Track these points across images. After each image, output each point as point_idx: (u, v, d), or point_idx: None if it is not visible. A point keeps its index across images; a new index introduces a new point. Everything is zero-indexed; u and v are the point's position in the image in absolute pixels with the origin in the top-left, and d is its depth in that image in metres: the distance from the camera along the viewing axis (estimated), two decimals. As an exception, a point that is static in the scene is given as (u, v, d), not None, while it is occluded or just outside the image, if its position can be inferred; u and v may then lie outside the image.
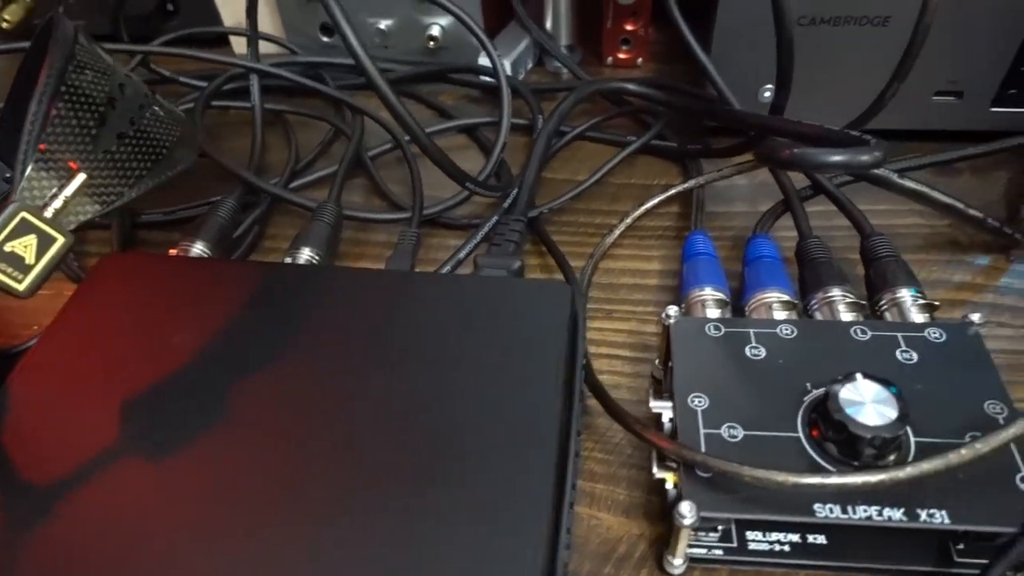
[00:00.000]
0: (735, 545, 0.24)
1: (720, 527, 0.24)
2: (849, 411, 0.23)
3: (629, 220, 0.36)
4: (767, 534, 0.24)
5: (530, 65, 0.48)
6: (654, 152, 0.41)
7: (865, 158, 0.25)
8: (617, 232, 0.36)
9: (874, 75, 0.36)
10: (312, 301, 0.28)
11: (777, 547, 0.24)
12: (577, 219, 0.38)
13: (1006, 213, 0.36)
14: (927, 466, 0.21)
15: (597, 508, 0.27)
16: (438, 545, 0.20)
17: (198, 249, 0.33)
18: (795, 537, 0.24)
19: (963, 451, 0.21)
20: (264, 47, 0.47)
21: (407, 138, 0.42)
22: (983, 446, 0.21)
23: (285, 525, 0.21)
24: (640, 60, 0.47)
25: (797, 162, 0.25)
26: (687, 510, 0.22)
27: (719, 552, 0.24)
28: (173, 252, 0.32)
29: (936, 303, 0.28)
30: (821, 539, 0.24)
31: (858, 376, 0.23)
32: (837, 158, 0.25)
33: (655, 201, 0.36)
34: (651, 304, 0.34)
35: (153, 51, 0.43)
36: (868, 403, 0.23)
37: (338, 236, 0.35)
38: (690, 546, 0.24)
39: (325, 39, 0.47)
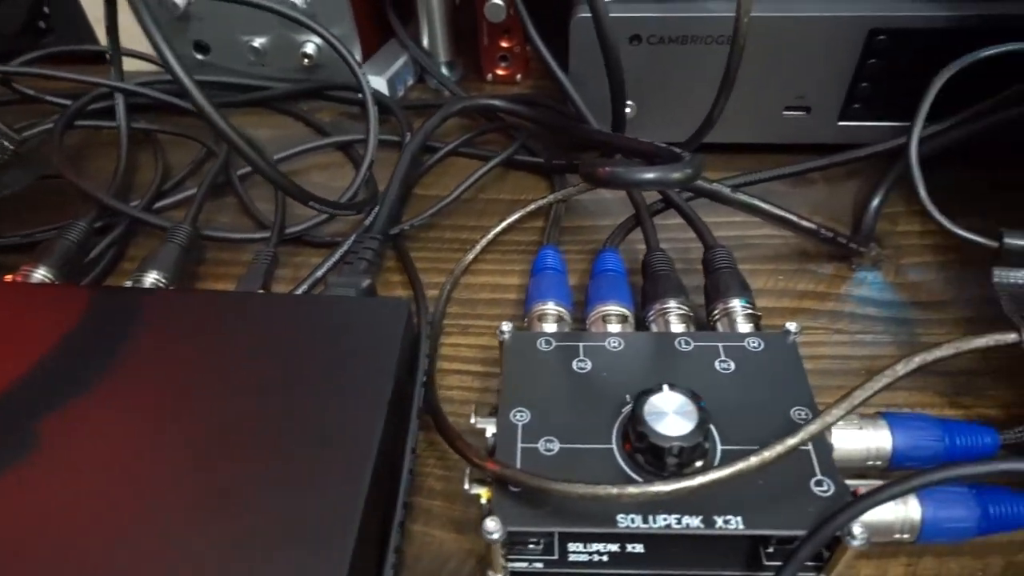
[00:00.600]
0: (556, 557, 0.25)
1: (541, 540, 0.25)
2: (651, 422, 0.23)
3: (491, 235, 0.37)
4: (587, 545, 0.25)
5: (410, 82, 0.48)
6: (525, 168, 0.42)
7: (676, 175, 0.26)
8: (478, 247, 0.36)
9: (711, 93, 0.37)
10: (141, 324, 0.27)
11: (596, 557, 0.25)
12: (443, 235, 0.39)
13: (852, 222, 0.38)
14: (715, 475, 0.22)
15: (432, 525, 0.27)
16: (239, 569, 0.20)
17: (40, 274, 0.32)
18: (614, 547, 0.25)
19: (752, 459, 0.22)
20: (140, 65, 0.47)
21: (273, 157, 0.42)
22: (770, 454, 0.22)
23: (86, 548, 0.21)
24: (519, 76, 0.48)
25: (612, 180, 0.26)
26: (493, 525, 0.22)
27: (540, 565, 0.25)
28: (9, 278, 0.31)
29: (758, 313, 0.29)
30: (639, 548, 0.25)
31: (664, 387, 0.24)
32: (648, 175, 0.25)
33: (515, 217, 0.37)
34: (508, 319, 0.34)
35: (10, 71, 0.42)
36: (670, 414, 0.23)
37: (192, 257, 0.35)
38: (511, 559, 0.25)
39: (199, 57, 0.47)
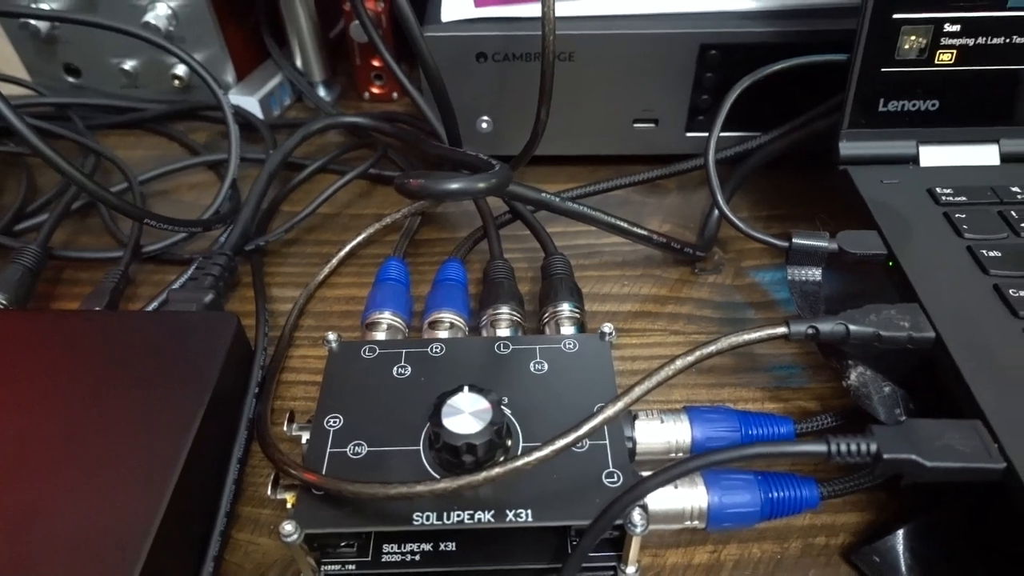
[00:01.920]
0: (370, 559, 0.25)
1: (355, 542, 0.25)
2: (447, 422, 0.24)
3: (346, 250, 0.37)
4: (401, 545, 0.25)
5: (287, 101, 0.49)
6: (389, 182, 0.43)
7: (480, 185, 0.27)
8: (335, 261, 0.37)
9: (566, 104, 0.39)
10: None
11: (410, 557, 0.25)
12: (306, 250, 0.39)
13: (699, 228, 0.40)
14: (497, 471, 0.22)
15: (259, 533, 0.28)
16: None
17: None
18: (427, 546, 0.25)
19: (528, 457, 0.23)
20: (13, 90, 0.47)
21: (140, 178, 0.42)
22: (547, 452, 0.23)
23: None
24: (395, 94, 0.49)
25: (423, 192, 0.27)
26: (289, 528, 0.23)
27: (353, 567, 0.25)
28: None
29: (580, 317, 0.30)
30: (451, 546, 0.25)
31: (464, 389, 0.25)
32: (454, 186, 0.27)
33: (370, 231, 0.38)
34: (358, 330, 0.35)
35: None
36: (467, 413, 0.24)
37: (37, 278, 0.35)
38: (325, 562, 0.25)
39: (71, 80, 0.47)
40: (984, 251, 0.26)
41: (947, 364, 0.24)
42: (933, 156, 0.31)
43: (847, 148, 0.31)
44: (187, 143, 0.46)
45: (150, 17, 0.43)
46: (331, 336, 0.29)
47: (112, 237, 0.40)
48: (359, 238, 0.37)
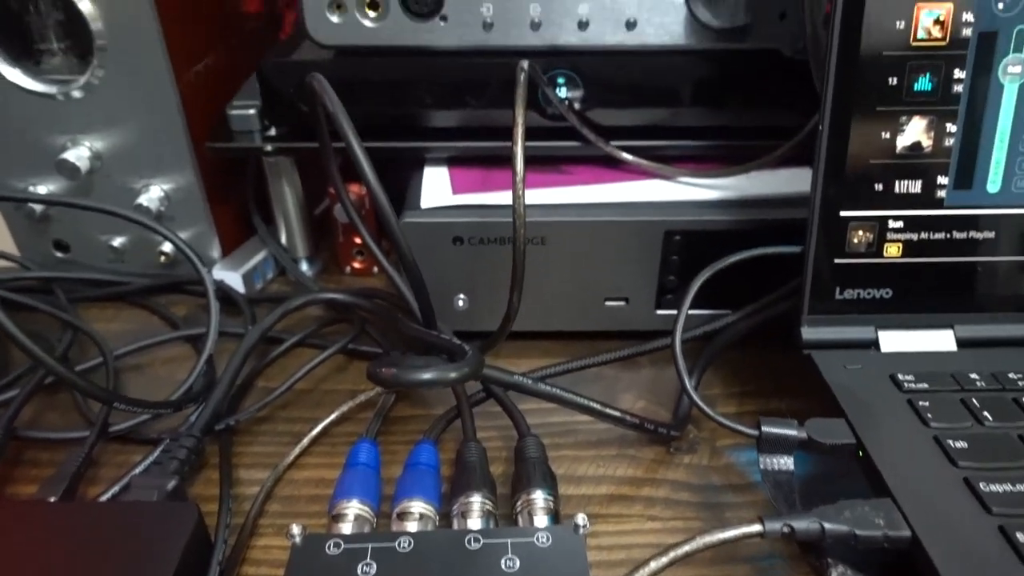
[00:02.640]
0: None
1: None
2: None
3: (317, 430, 0.37)
4: None
5: (270, 275, 0.50)
6: (367, 358, 0.43)
7: (452, 375, 0.27)
8: (305, 441, 0.37)
9: (539, 284, 0.40)
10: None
11: None
12: (276, 427, 0.39)
13: (673, 404, 0.40)
14: None
15: None
16: None
17: None
18: None
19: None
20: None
21: (116, 352, 0.42)
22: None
23: None
24: (376, 269, 0.51)
25: (394, 382, 0.27)
26: None
27: None
28: None
29: (551, 504, 0.30)
30: None
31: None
32: (426, 376, 0.27)
33: (345, 408, 0.38)
34: (327, 516, 0.34)
35: None
36: (431, 622, 0.23)
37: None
38: None
39: (59, 255, 0.48)
40: (951, 441, 0.26)
41: (926, 565, 0.23)
42: (892, 341, 0.32)
43: (809, 333, 0.32)
44: (167, 316, 0.47)
45: (143, 199, 0.45)
46: (295, 529, 0.28)
47: (81, 415, 0.39)
48: (332, 416, 0.37)
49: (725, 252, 0.38)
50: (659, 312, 0.42)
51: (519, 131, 0.30)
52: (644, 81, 0.40)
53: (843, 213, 0.31)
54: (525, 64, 0.33)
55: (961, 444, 0.26)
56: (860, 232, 0.31)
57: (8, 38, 0.42)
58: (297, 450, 0.36)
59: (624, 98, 0.41)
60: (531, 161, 0.44)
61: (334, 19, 0.38)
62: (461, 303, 0.41)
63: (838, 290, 0.32)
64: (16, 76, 0.42)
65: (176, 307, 0.48)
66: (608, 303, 0.42)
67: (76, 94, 0.42)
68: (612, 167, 0.43)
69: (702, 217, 0.39)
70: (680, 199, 0.40)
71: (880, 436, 0.27)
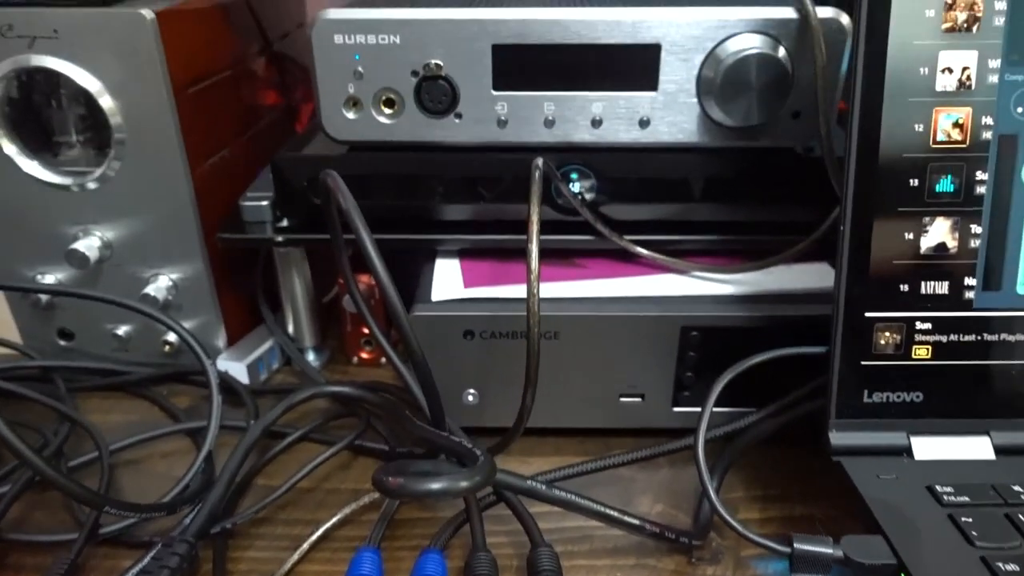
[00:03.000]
0: None
1: None
2: None
3: (318, 534, 0.35)
4: None
5: (276, 365, 0.49)
6: (372, 454, 0.42)
7: (464, 484, 0.26)
8: (306, 546, 0.35)
9: (552, 379, 0.39)
10: None
11: None
12: (275, 531, 0.37)
13: (693, 509, 0.38)
14: None
15: None
16: None
17: None
18: None
19: None
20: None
21: (113, 446, 0.41)
22: None
23: None
24: (383, 359, 0.49)
25: (401, 492, 0.25)
26: None
27: None
28: None
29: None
30: None
31: None
32: (435, 486, 0.25)
33: (347, 511, 0.36)
34: (324, 633, 0.32)
35: None
36: None
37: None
38: None
39: (63, 343, 0.47)
40: (1000, 564, 0.24)
41: None
42: (926, 448, 0.30)
43: (838, 439, 0.31)
44: (168, 408, 0.45)
45: (150, 289, 0.44)
46: (290, 653, 0.26)
47: (70, 515, 0.37)
48: (333, 519, 0.35)
49: (744, 348, 0.37)
50: (676, 409, 0.41)
51: (534, 228, 0.30)
52: (658, 177, 0.40)
53: (868, 314, 0.30)
54: (540, 162, 0.33)
55: (1012, 567, 0.24)
56: (887, 334, 0.30)
57: (29, 131, 0.42)
58: (296, 556, 0.34)
59: (638, 193, 0.41)
60: (544, 254, 0.43)
61: (350, 115, 0.39)
62: (471, 398, 0.40)
63: (866, 393, 0.30)
64: (34, 168, 0.42)
65: (179, 398, 0.47)
66: (623, 399, 0.40)
67: (91, 185, 0.43)
68: (626, 261, 0.42)
69: (720, 312, 0.38)
70: (697, 294, 0.39)
71: (923, 556, 0.25)
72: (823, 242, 0.39)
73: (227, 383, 0.45)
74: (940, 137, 0.29)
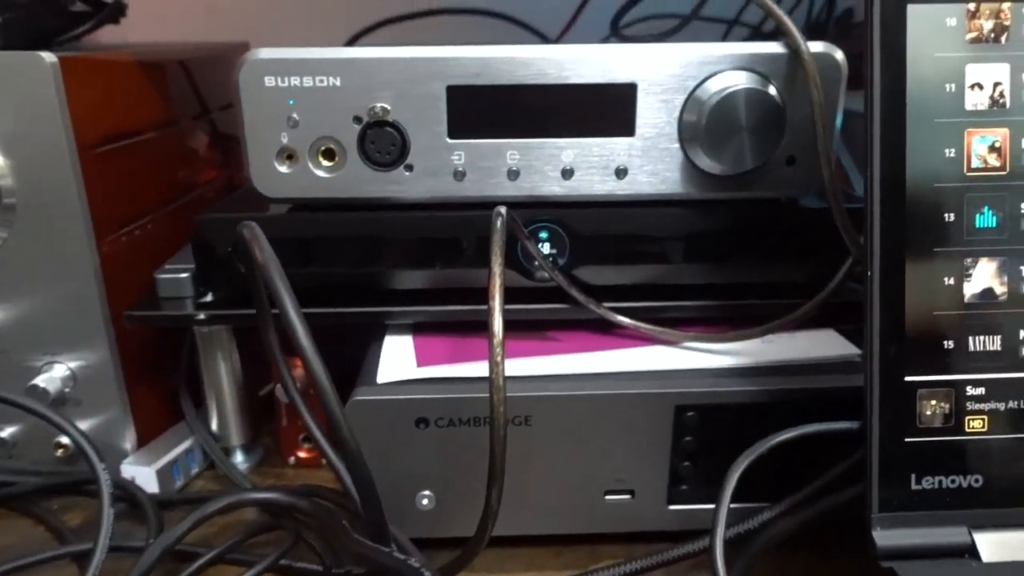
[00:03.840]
0: None
1: None
2: None
3: None
4: None
5: (196, 468, 0.42)
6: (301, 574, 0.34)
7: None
8: None
9: (523, 475, 0.33)
10: None
11: None
12: None
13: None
14: None
15: None
16: None
17: None
18: None
19: None
20: None
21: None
22: None
23: None
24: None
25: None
26: None
27: None
28: None
29: None
30: None
31: None
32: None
33: (265, 657, 0.28)
34: None
35: None
36: None
37: None
38: None
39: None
40: None
41: None
42: (994, 546, 0.24)
43: (884, 538, 0.24)
44: (55, 526, 0.37)
45: (41, 380, 0.37)
46: None
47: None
48: (247, 670, 0.27)
49: (751, 430, 0.31)
50: (672, 507, 0.34)
51: (496, 284, 0.24)
52: (639, 234, 0.35)
53: (908, 378, 0.24)
54: (503, 211, 0.28)
55: None
56: (932, 402, 0.24)
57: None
58: None
59: (617, 253, 0.36)
60: (512, 327, 0.37)
61: (283, 169, 0.34)
62: (426, 501, 0.33)
63: (914, 478, 0.24)
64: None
65: (72, 513, 0.39)
66: (609, 497, 0.34)
67: (-27, 257, 0.36)
68: (606, 332, 0.36)
69: (720, 388, 0.32)
70: (690, 367, 0.34)
71: None
72: (828, 305, 0.34)
73: (130, 493, 0.37)
74: (975, 164, 0.24)
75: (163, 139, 0.44)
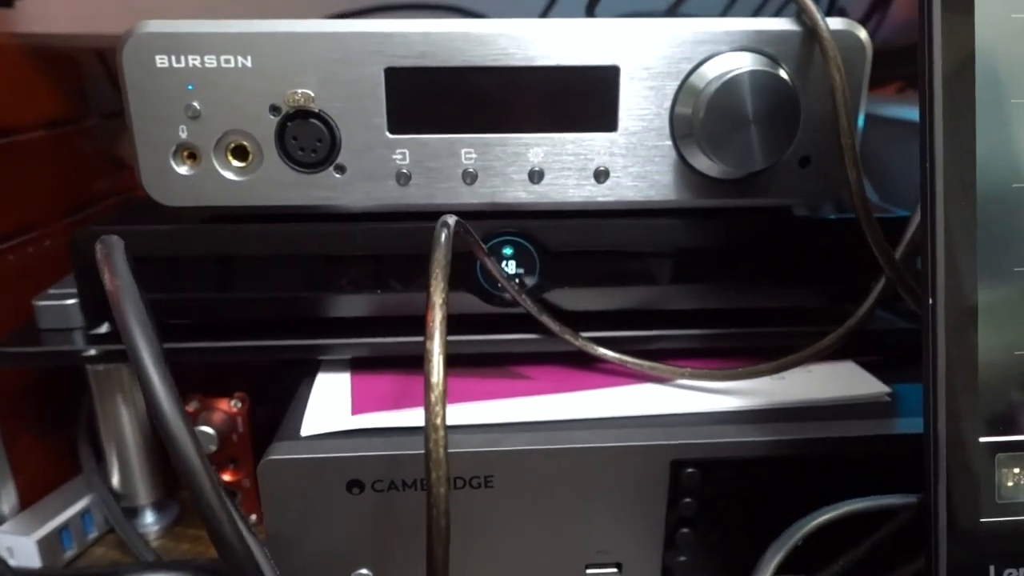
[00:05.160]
0: None
1: None
2: None
3: None
4: None
5: (93, 534, 0.35)
6: None
7: None
8: None
9: (487, 547, 0.27)
10: None
11: None
12: None
13: None
14: None
15: None
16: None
17: None
18: None
19: None
20: None
21: None
22: None
23: None
24: (253, 516, 0.36)
25: None
26: None
27: None
28: None
29: None
30: None
31: None
32: None
33: None
34: None
35: None
36: None
37: None
38: None
39: None
40: None
41: None
42: (1099, 661, 0.19)
43: (955, 652, 0.19)
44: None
45: None
46: None
47: None
48: None
49: (761, 489, 0.26)
50: (665, 585, 0.28)
51: (437, 319, 0.18)
52: (623, 250, 0.29)
53: (984, 439, 0.19)
54: (451, 220, 0.22)
55: None
56: (1016, 470, 0.19)
57: None
58: None
59: (597, 273, 0.30)
60: (471, 362, 0.32)
61: (183, 171, 0.27)
62: (363, 581, 0.27)
63: (992, 570, 0.19)
64: None
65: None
66: (591, 572, 0.27)
67: None
68: (586, 368, 0.30)
69: (724, 439, 0.26)
70: (688, 411, 0.28)
71: None
72: (856, 333, 0.28)
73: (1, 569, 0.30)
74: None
75: (57, 139, 0.37)
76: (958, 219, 0.18)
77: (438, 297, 0.18)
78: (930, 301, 0.18)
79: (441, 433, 0.18)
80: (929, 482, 0.19)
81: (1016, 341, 0.19)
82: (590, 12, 0.44)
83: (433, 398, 0.17)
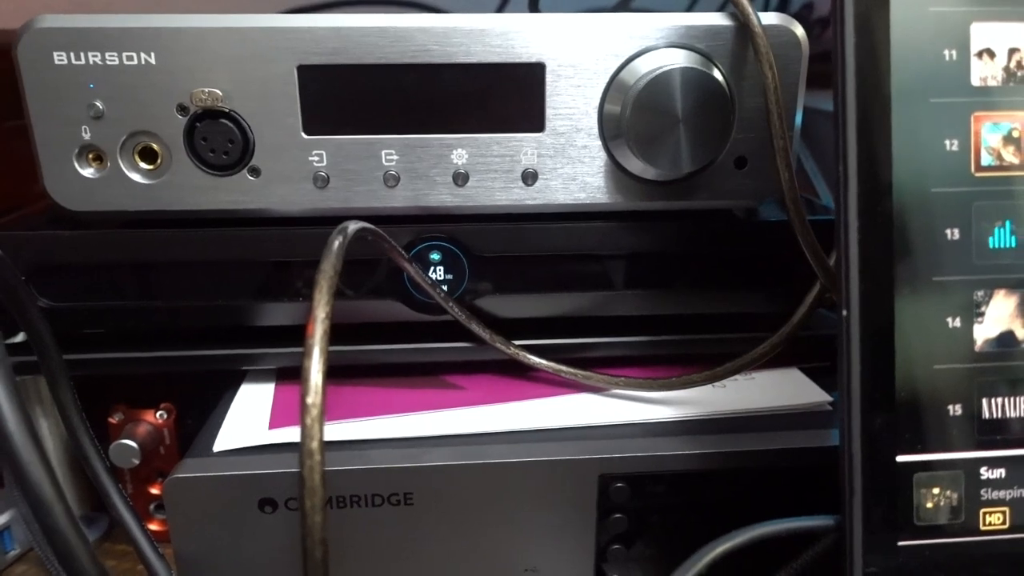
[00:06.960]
0: None
1: None
2: None
3: None
4: None
5: (15, 551, 0.33)
6: None
7: None
8: None
9: (404, 565, 0.25)
10: None
11: None
12: None
13: None
14: None
15: None
16: None
17: None
18: None
19: None
20: None
21: None
22: None
23: None
24: (185, 532, 0.34)
25: None
26: None
27: None
28: None
29: None
30: None
31: None
32: None
33: None
34: None
35: None
36: None
37: None
38: None
39: None
40: None
41: None
42: None
43: None
44: None
45: None
46: None
47: None
48: None
49: (695, 504, 0.25)
50: (597, 600, 0.27)
51: (317, 332, 0.17)
52: (554, 255, 0.28)
53: (901, 459, 0.18)
54: (351, 227, 0.21)
55: None
56: (935, 490, 0.18)
57: None
58: None
59: (527, 279, 0.28)
60: (394, 371, 0.30)
61: (87, 173, 0.26)
62: (290, 607, 0.26)
63: (911, 597, 0.18)
64: None
65: None
66: (519, 591, 0.27)
67: None
68: (516, 377, 0.29)
69: (656, 452, 0.25)
70: (620, 422, 0.27)
71: None
72: (795, 339, 0.27)
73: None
74: (986, 160, 0.18)
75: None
76: (873, 224, 0.17)
77: (321, 311, 0.17)
78: (844, 312, 0.17)
79: (317, 458, 0.16)
80: (844, 506, 0.18)
81: (934, 354, 0.18)
82: (533, 8, 0.43)
83: (309, 420, 0.16)
